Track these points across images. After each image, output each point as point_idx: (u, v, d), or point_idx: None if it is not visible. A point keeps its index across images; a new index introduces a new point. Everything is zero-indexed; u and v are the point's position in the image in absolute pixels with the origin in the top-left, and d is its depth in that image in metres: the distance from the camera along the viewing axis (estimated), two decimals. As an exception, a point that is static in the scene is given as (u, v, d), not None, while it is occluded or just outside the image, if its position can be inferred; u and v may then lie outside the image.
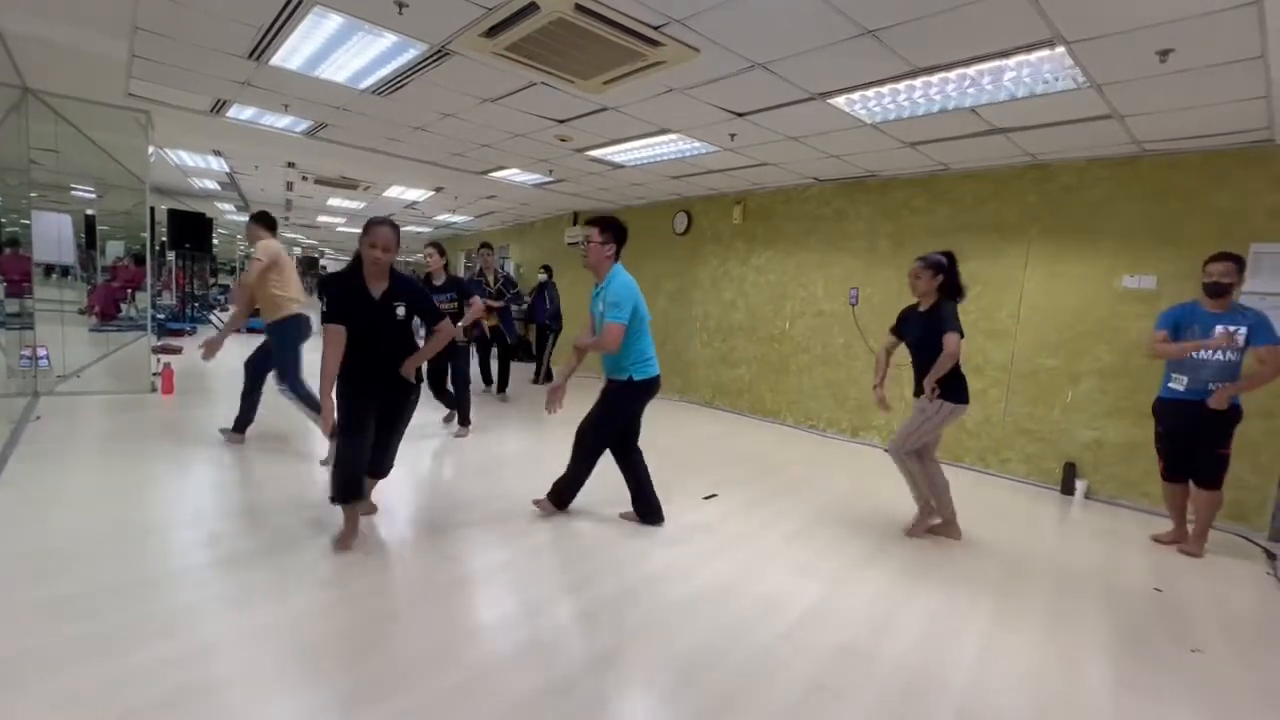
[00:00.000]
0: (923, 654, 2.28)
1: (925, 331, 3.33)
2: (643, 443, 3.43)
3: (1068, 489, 4.60)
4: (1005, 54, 3.00)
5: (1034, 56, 3.00)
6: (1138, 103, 3.45)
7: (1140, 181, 4.37)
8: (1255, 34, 2.58)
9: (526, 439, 5.29)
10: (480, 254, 6.70)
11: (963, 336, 3.24)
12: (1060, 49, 2.88)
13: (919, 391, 3.38)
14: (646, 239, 8.52)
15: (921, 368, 3.37)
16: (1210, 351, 3.27)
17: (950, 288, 3.37)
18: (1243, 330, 3.23)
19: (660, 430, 5.97)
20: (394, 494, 3.65)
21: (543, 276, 8.63)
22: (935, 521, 3.53)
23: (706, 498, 3.90)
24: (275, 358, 4.15)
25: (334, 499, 2.76)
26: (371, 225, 2.65)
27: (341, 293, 2.69)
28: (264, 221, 4.21)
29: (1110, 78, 3.15)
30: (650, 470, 3.41)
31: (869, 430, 5.95)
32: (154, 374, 5.75)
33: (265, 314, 4.12)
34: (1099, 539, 3.74)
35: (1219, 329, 3.26)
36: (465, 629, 2.23)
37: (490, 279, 6.59)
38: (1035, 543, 3.57)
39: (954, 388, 3.30)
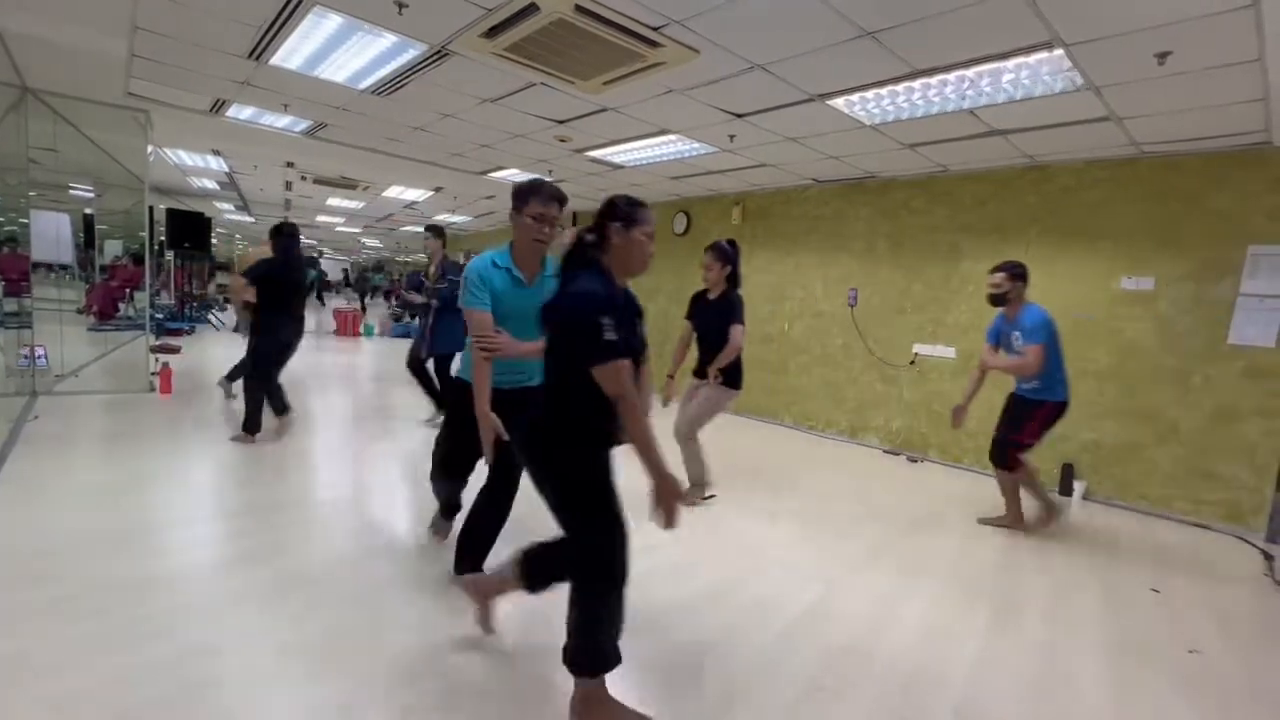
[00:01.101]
0: (922, 653, 2.28)
1: (716, 318, 3.73)
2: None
3: (1065, 490, 4.61)
4: (1004, 56, 3.01)
5: (1032, 59, 3.00)
6: (1136, 105, 3.46)
7: (1139, 183, 4.38)
8: (1253, 37, 2.59)
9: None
10: (426, 241, 5.55)
11: (744, 327, 3.71)
12: (1059, 51, 2.89)
13: (702, 374, 3.85)
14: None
15: (709, 353, 3.78)
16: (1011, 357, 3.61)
17: (733, 277, 3.72)
18: (1018, 334, 3.53)
19: (659, 432, 5.97)
20: (391, 492, 3.65)
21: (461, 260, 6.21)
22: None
23: (705, 498, 3.90)
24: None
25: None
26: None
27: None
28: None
29: (1108, 80, 3.16)
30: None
31: (867, 431, 5.96)
32: (152, 374, 5.75)
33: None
34: (1097, 540, 3.75)
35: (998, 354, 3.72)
36: (465, 628, 2.23)
37: (431, 269, 5.40)
38: (1033, 544, 3.58)
39: (731, 374, 3.77)
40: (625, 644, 2.21)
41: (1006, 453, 3.66)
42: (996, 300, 3.59)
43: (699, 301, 3.94)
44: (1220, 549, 3.72)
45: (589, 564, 1.75)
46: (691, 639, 2.26)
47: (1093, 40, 2.77)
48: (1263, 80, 2.99)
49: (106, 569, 2.39)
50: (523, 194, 2.22)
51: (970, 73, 3.23)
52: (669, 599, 2.55)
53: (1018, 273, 3.54)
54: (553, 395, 1.79)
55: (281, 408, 4.48)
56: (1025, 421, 3.61)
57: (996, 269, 3.58)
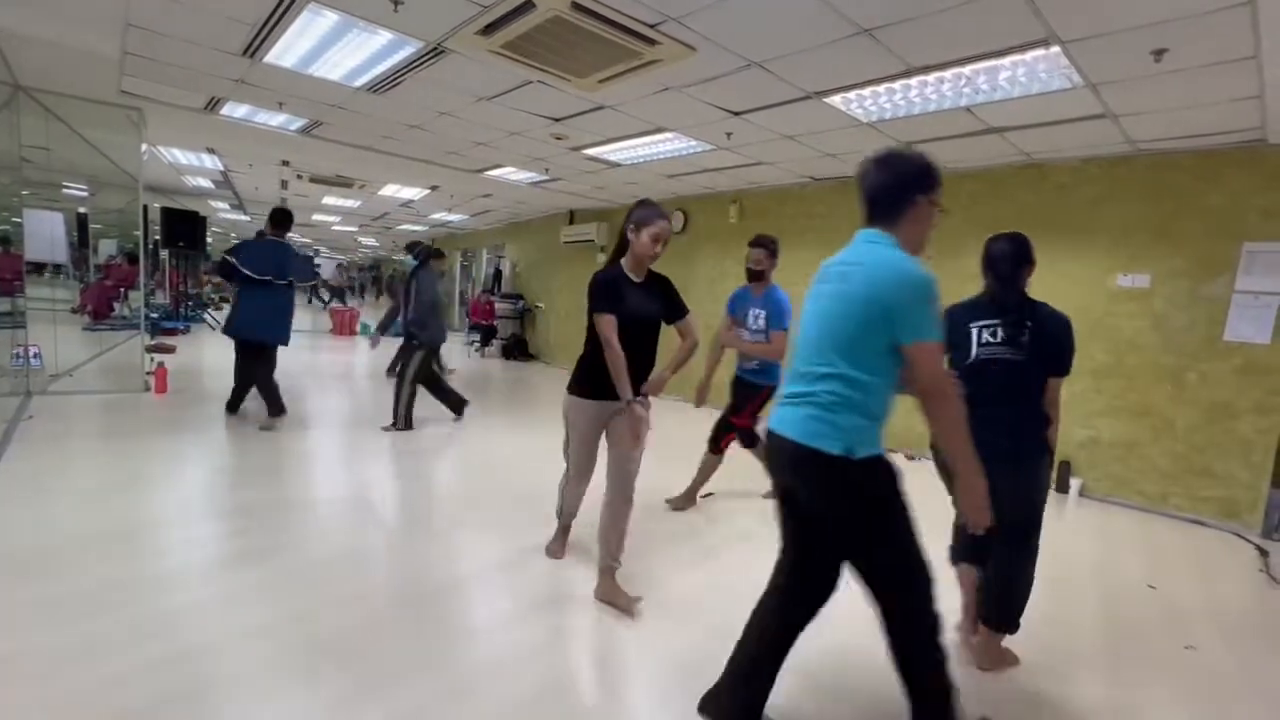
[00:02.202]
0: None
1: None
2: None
3: (1062, 487, 4.62)
4: (1001, 53, 3.01)
5: (1029, 56, 3.01)
6: (1132, 102, 3.46)
7: (1134, 181, 4.39)
8: (1248, 34, 2.60)
9: (518, 437, 5.28)
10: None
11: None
12: (1055, 48, 2.89)
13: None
14: (643, 238, 8.52)
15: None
16: (750, 336, 3.62)
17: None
18: (764, 314, 3.55)
19: (656, 430, 5.97)
20: (388, 491, 3.64)
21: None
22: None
23: (704, 496, 3.90)
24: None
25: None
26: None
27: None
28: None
29: (1105, 77, 3.17)
30: (648, 469, 3.41)
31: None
32: (147, 373, 5.72)
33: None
34: (1093, 537, 3.76)
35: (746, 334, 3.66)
36: (461, 629, 2.23)
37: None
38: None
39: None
40: (622, 645, 2.21)
41: (721, 435, 3.72)
42: (756, 276, 3.58)
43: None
44: (1216, 545, 3.73)
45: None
46: (688, 639, 2.26)
47: (1089, 38, 2.77)
48: (1258, 77, 2.99)
49: (102, 569, 2.38)
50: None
51: (967, 70, 3.23)
52: (666, 599, 2.54)
53: (774, 250, 3.57)
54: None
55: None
56: (745, 404, 3.68)
57: (757, 244, 3.54)
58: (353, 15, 3.21)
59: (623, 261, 2.51)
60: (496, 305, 11.34)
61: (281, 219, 4.90)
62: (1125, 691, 2.13)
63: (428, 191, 9.16)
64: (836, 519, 1.56)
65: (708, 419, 3.93)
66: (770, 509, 1.88)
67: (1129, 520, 4.13)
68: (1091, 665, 2.28)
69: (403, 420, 4.98)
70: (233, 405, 4.99)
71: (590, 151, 5.75)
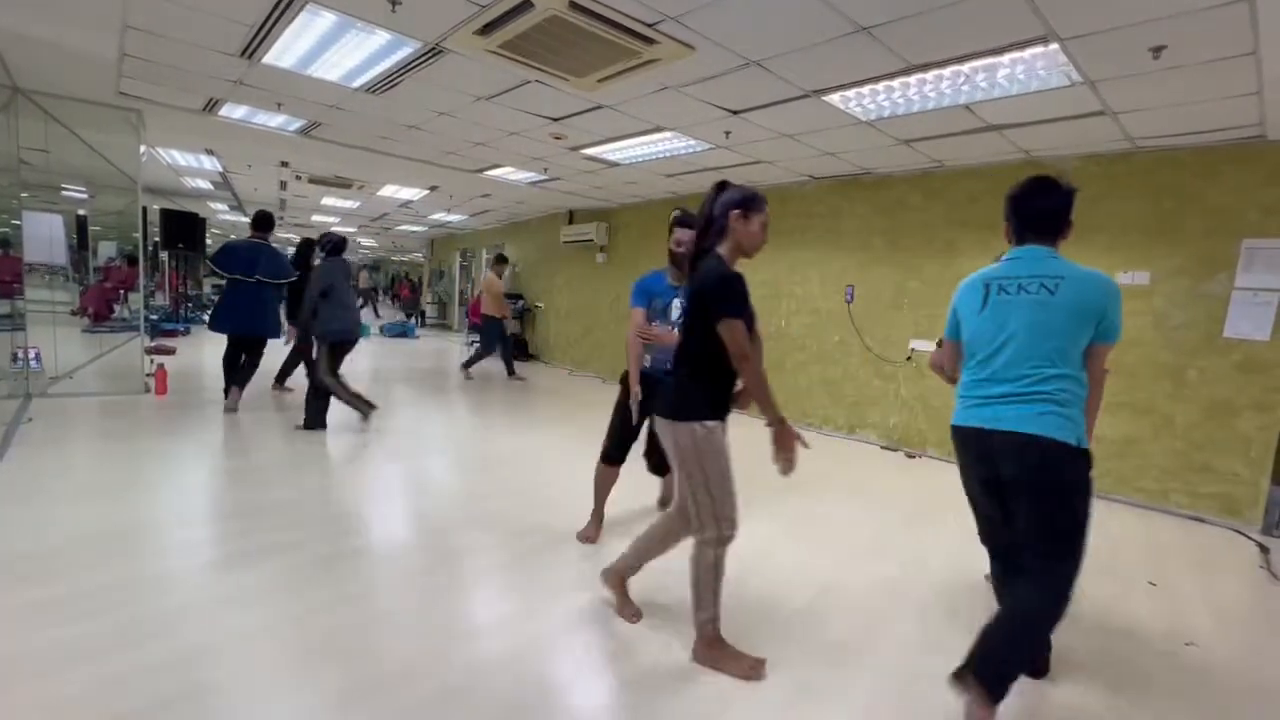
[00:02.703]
0: (918, 653, 2.28)
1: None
2: (640, 439, 3.42)
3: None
4: (999, 50, 3.00)
5: (1028, 53, 3.00)
6: (1131, 99, 3.46)
7: (1133, 178, 4.38)
8: (1248, 30, 2.59)
9: (518, 437, 5.27)
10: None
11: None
12: (1054, 46, 2.89)
13: None
14: (643, 238, 8.51)
15: None
16: (673, 328, 2.96)
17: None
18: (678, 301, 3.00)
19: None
20: (389, 492, 3.64)
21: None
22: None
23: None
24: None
25: None
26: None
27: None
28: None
29: (1103, 74, 3.16)
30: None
31: (865, 427, 5.97)
32: (147, 375, 5.72)
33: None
34: (1094, 535, 3.74)
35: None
36: (462, 630, 2.23)
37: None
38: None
39: None
40: (625, 648, 2.21)
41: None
42: (682, 260, 2.81)
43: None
44: (1216, 542, 3.73)
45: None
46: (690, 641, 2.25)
47: (1088, 35, 2.77)
48: (1258, 74, 2.99)
49: (103, 570, 2.38)
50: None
51: (966, 68, 3.23)
52: (669, 600, 2.54)
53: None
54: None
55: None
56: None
57: (683, 224, 2.99)
58: (350, 15, 3.21)
59: (721, 253, 2.10)
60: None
61: (261, 222, 5.37)
62: (1126, 689, 2.13)
63: (427, 192, 9.15)
64: (1060, 499, 1.82)
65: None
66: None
67: (1129, 517, 4.12)
68: (1092, 663, 2.28)
69: (362, 407, 4.95)
70: (227, 394, 5.27)
71: (589, 151, 5.75)
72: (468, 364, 8.30)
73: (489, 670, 1.97)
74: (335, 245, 4.90)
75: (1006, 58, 3.07)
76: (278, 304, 5.36)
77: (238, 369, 5.26)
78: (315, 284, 4.71)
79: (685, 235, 2.89)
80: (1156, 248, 4.30)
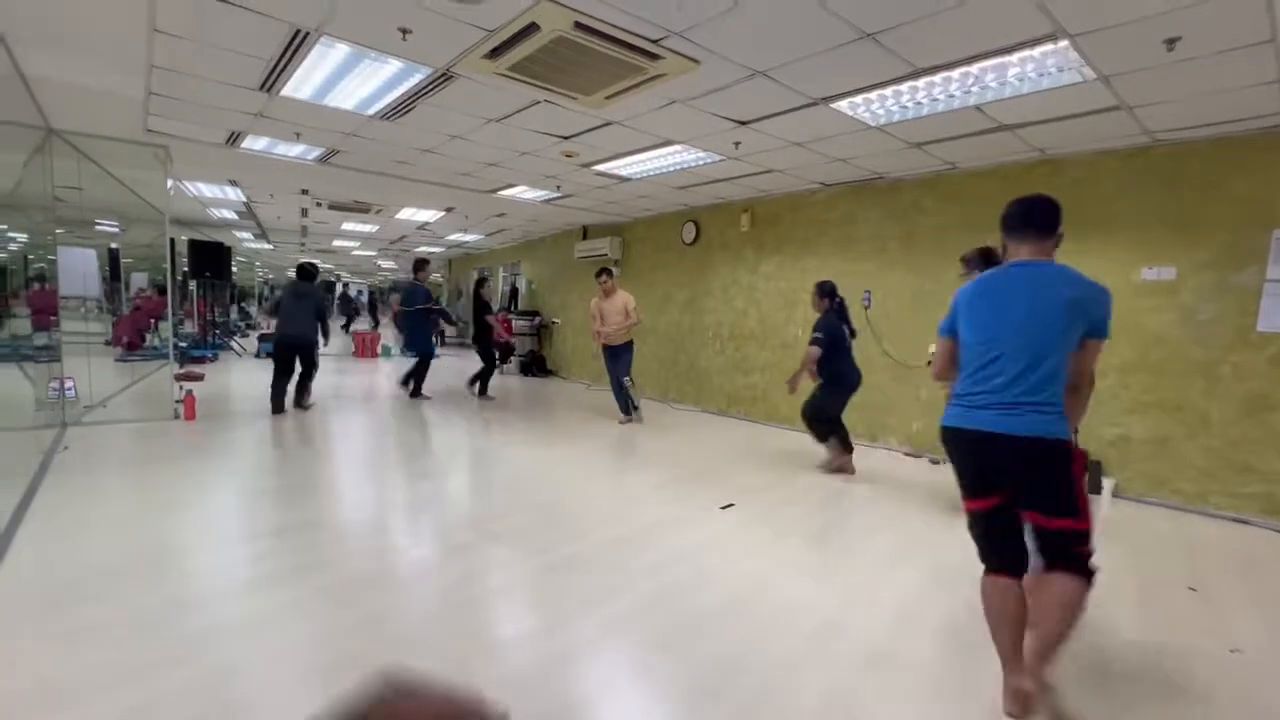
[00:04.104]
0: (949, 662, 2.23)
1: None
2: (660, 454, 3.43)
3: (1094, 488, 4.49)
4: (1008, 50, 2.98)
5: (1037, 51, 2.97)
6: (1147, 93, 3.40)
7: (1153, 172, 4.29)
8: (1264, 17, 2.55)
9: (543, 452, 5.29)
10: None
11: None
12: (1064, 42, 2.86)
13: None
14: (656, 251, 8.54)
15: None
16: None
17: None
18: None
19: (676, 439, 5.95)
20: (417, 512, 3.67)
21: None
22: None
23: (724, 507, 3.87)
24: (627, 363, 6.63)
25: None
26: None
27: None
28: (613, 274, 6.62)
29: (1117, 69, 3.12)
30: (668, 480, 3.41)
31: (886, 433, 5.88)
32: (177, 401, 5.86)
33: (625, 338, 6.62)
34: (1129, 538, 3.64)
35: None
36: (484, 646, 2.23)
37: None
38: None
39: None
40: (645, 657, 2.19)
41: None
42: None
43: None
44: (1260, 543, 3.59)
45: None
46: (711, 650, 2.23)
47: (1098, 30, 2.74)
48: (1276, 62, 2.93)
49: (132, 596, 2.43)
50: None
51: (974, 69, 3.21)
52: (688, 610, 2.52)
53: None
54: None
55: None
56: None
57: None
58: (363, 46, 3.30)
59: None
60: (514, 322, 11.44)
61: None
62: (1171, 697, 2.05)
63: (443, 213, 9.31)
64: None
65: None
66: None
67: (1167, 520, 3.99)
68: (1134, 672, 2.20)
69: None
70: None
71: (600, 167, 5.81)
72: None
73: (514, 685, 1.96)
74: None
75: (1016, 56, 3.05)
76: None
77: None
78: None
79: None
80: (1182, 242, 4.19)
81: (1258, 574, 3.15)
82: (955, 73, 3.26)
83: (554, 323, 11.30)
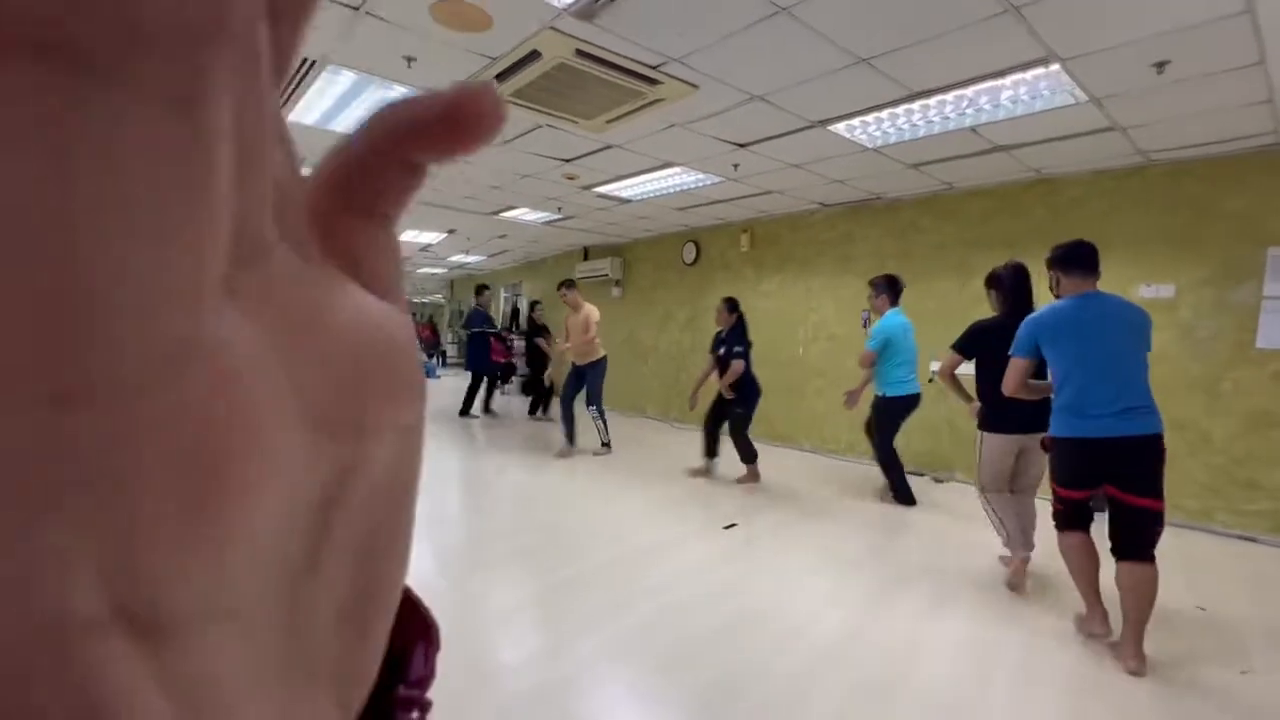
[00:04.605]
0: (953, 687, 2.20)
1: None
2: (663, 472, 3.42)
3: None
4: (1001, 74, 3.04)
5: (1030, 75, 3.03)
6: (1139, 114, 3.46)
7: (1148, 191, 4.34)
8: (1251, 40, 2.60)
9: (540, 475, 5.28)
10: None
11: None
12: (1055, 66, 2.92)
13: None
14: (657, 271, 8.60)
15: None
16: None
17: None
18: None
19: (679, 459, 5.93)
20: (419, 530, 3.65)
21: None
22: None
23: (727, 527, 3.85)
24: (591, 388, 5.89)
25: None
26: None
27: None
28: (576, 285, 6.00)
29: (1108, 91, 3.18)
30: (669, 500, 3.40)
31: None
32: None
33: (590, 358, 5.87)
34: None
35: None
36: (487, 669, 2.21)
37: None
38: (1064, 564, 3.45)
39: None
40: (646, 679, 2.17)
41: None
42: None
43: None
44: (1268, 561, 3.56)
45: None
46: (713, 673, 2.20)
47: (1089, 54, 2.79)
48: (1266, 82, 2.98)
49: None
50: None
51: (968, 92, 3.27)
52: (690, 632, 2.50)
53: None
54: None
55: None
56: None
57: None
58: (370, 74, 3.37)
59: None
60: (515, 343, 11.47)
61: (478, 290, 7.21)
62: (1179, 718, 2.02)
63: (445, 235, 9.40)
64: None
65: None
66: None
67: (1173, 538, 3.93)
68: (1144, 694, 2.17)
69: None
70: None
71: (601, 189, 5.88)
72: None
73: (518, 708, 1.94)
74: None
75: (1009, 80, 3.10)
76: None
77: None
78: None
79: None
80: (1179, 259, 4.23)
81: (1267, 593, 3.12)
82: (950, 95, 3.32)
83: (555, 342, 11.32)
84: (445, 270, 15.12)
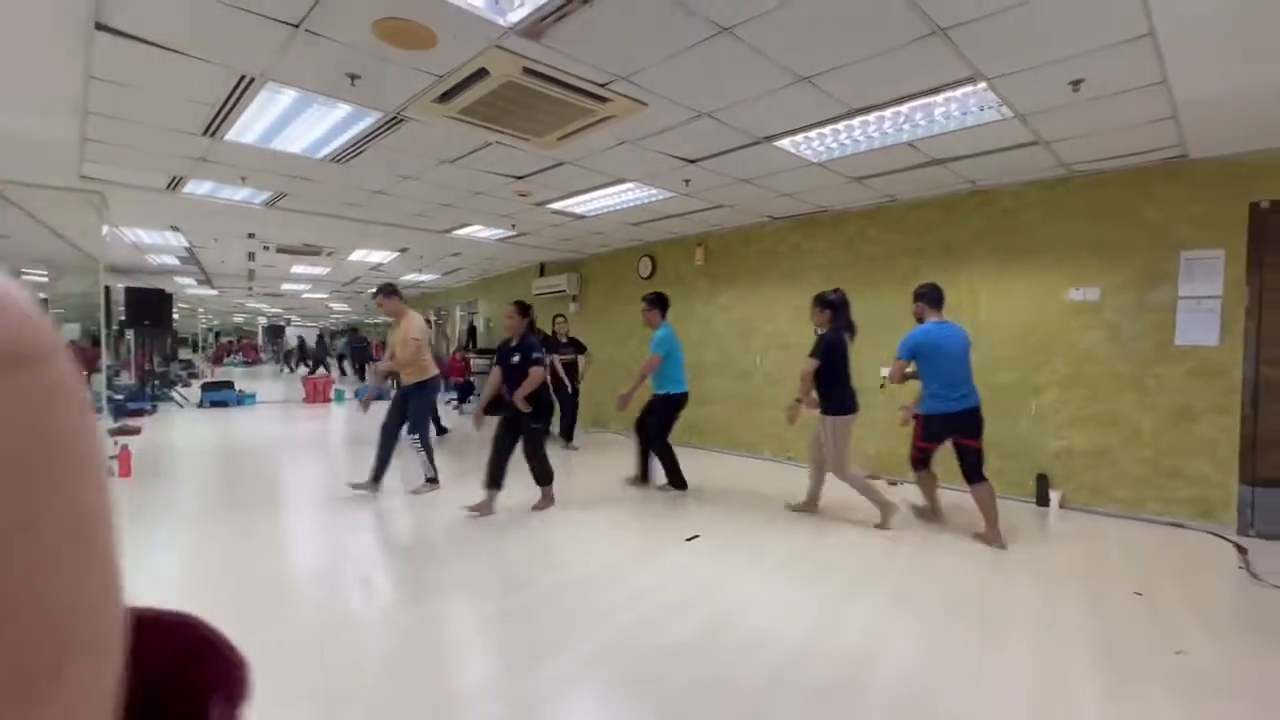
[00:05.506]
0: (913, 682, 2.25)
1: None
2: (624, 490, 3.40)
3: (1042, 500, 4.67)
4: (933, 91, 3.19)
5: (960, 93, 3.20)
6: (1059, 129, 3.68)
7: (1072, 201, 4.62)
8: (1154, 61, 2.80)
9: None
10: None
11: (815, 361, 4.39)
12: (982, 84, 3.08)
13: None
14: (613, 286, 8.63)
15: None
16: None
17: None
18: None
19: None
20: (375, 554, 3.53)
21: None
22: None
23: (689, 539, 3.85)
24: (414, 412, 4.97)
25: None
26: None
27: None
28: (399, 293, 4.98)
29: (1031, 108, 3.37)
30: (634, 516, 3.39)
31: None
32: (110, 457, 5.53)
33: (411, 377, 4.93)
34: (1077, 548, 3.78)
35: None
36: (453, 691, 2.14)
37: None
38: (1016, 557, 3.59)
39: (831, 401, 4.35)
40: (615, 695, 2.14)
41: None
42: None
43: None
44: (1196, 546, 3.78)
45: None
46: (681, 684, 2.19)
47: (1011, 73, 2.96)
48: (1169, 100, 3.22)
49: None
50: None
51: (904, 108, 3.42)
52: (657, 645, 2.48)
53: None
54: None
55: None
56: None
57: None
58: (311, 91, 3.30)
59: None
60: (473, 361, 11.29)
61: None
62: (1122, 702, 2.11)
63: (397, 254, 9.22)
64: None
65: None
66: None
67: (1110, 528, 4.17)
68: (1085, 678, 2.26)
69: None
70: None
71: (555, 205, 5.88)
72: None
73: (474, 742, 1.88)
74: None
75: (941, 97, 3.26)
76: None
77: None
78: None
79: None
80: (1103, 264, 4.50)
81: (1196, 576, 3.31)
82: (887, 112, 3.47)
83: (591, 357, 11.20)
84: (398, 290, 14.80)
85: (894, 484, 5.43)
